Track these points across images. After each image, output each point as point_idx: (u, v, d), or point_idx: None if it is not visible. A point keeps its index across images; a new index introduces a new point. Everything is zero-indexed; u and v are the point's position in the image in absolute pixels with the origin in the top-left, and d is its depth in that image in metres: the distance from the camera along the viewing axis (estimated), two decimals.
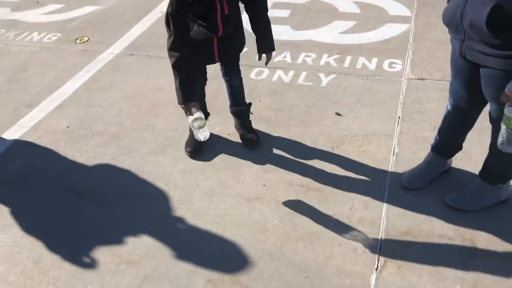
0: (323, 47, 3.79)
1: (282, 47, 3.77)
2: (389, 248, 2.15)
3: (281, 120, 3.00)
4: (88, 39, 4.25)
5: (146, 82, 3.56)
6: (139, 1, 4.97)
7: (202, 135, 2.33)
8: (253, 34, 2.49)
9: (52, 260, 2.24)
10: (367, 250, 2.15)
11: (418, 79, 3.31)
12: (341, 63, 3.57)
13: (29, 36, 4.40)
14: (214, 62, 2.51)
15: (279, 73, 3.50)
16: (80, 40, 4.24)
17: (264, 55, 2.54)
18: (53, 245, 2.31)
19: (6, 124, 3.20)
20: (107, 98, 3.39)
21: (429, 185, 2.44)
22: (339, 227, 2.27)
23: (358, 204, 2.38)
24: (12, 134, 3.10)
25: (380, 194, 2.43)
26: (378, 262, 2.10)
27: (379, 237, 2.21)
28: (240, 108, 2.80)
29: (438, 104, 3.03)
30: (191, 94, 2.31)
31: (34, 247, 2.31)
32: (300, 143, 2.81)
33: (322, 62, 3.60)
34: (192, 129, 2.34)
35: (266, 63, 2.56)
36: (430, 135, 2.77)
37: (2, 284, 2.14)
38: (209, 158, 2.74)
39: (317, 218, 2.33)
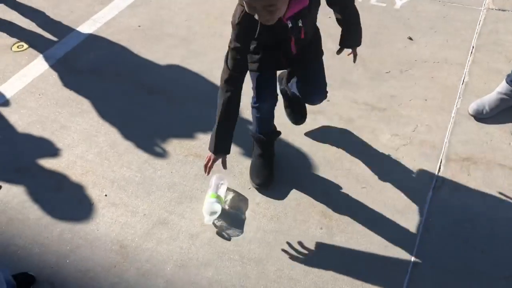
0: None
1: None
2: (448, 171, 2.19)
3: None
4: None
5: None
6: None
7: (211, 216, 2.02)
8: None
9: (126, 145, 2.41)
10: (426, 170, 2.20)
11: (499, 9, 3.15)
12: None
13: None
14: (282, 68, 2.11)
15: None
16: None
17: (346, 49, 2.08)
18: (127, 133, 2.48)
19: (81, 18, 3.32)
20: (177, 2, 3.42)
21: (497, 116, 2.41)
22: (401, 146, 2.31)
23: (421, 127, 2.40)
24: (88, 28, 3.22)
25: (445, 120, 2.43)
26: (435, 182, 2.15)
27: (439, 159, 2.24)
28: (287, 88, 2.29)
29: None
30: (225, 145, 1.89)
31: (109, 132, 2.48)
32: (366, 64, 2.79)
33: None
34: (205, 211, 2.02)
35: (354, 60, 2.09)
36: (504, 67, 2.69)
37: (82, 161, 2.34)
38: None
39: (378, 135, 2.38)
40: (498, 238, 1.94)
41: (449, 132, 2.37)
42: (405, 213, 2.04)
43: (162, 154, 2.35)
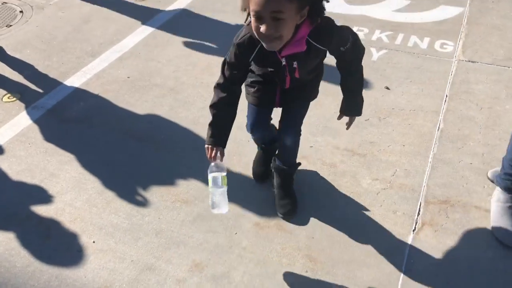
0: (376, 23, 3.85)
1: (335, 20, 3.84)
2: (427, 213, 2.28)
3: (330, 89, 3.11)
4: None
5: (202, 42, 3.72)
6: None
7: (221, 203, 1.93)
8: None
9: (114, 192, 2.46)
10: (406, 213, 2.29)
11: (469, 61, 3.35)
12: (393, 40, 3.64)
13: None
14: (275, 107, 2.15)
15: None
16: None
17: (345, 117, 2.13)
18: (115, 180, 2.53)
19: (72, 70, 3.43)
20: (165, 55, 3.57)
21: (472, 160, 2.54)
22: (381, 190, 2.40)
23: (400, 172, 2.50)
24: (78, 79, 3.33)
25: (423, 165, 2.54)
26: (416, 224, 2.23)
27: (418, 203, 2.33)
28: (282, 167, 2.29)
29: (486, 86, 3.08)
30: (221, 136, 1.95)
31: (98, 179, 2.53)
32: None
33: (374, 38, 3.67)
34: (210, 187, 1.90)
35: (347, 127, 2.14)
36: (476, 114, 2.85)
37: (70, 208, 2.37)
38: None
39: (360, 180, 2.47)
40: (478, 278, 2.00)
41: (427, 176, 2.47)
42: (387, 255, 2.10)
43: (149, 201, 2.40)
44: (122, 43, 3.74)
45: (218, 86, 1.92)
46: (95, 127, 2.90)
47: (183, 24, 3.97)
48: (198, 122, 2.88)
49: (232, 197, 2.36)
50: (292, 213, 2.28)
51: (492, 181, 2.38)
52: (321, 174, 2.51)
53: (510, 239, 2.11)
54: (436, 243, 2.14)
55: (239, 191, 2.41)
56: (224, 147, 1.95)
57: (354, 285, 1.99)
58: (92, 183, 2.52)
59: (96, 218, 2.32)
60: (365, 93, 2.84)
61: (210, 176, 1.88)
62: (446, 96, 3.03)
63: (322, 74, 2.09)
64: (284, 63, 1.81)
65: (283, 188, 2.32)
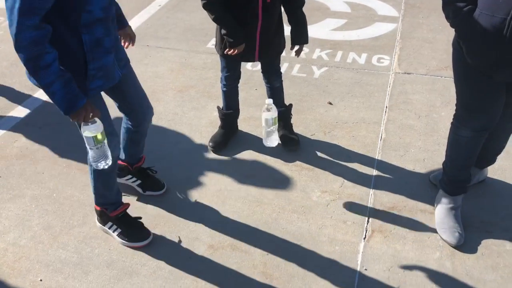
0: (316, 42, 3.99)
1: None
2: (376, 221, 2.34)
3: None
4: None
5: (146, 69, 3.71)
6: None
7: (274, 138, 2.31)
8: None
9: (61, 226, 2.37)
10: (356, 222, 2.34)
11: (405, 73, 3.53)
12: (332, 57, 3.77)
13: None
14: (254, 60, 2.55)
15: None
16: None
17: (296, 47, 2.57)
18: (61, 213, 2.44)
19: (11, 104, 3.32)
20: None
21: (414, 166, 2.65)
22: (330, 202, 2.45)
23: (348, 182, 2.57)
24: (18, 113, 3.22)
25: (369, 174, 2.62)
26: (366, 232, 2.29)
27: (367, 211, 2.40)
28: (281, 109, 2.72)
29: (422, 95, 3.24)
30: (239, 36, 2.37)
31: (43, 215, 2.44)
32: (294, 128, 2.98)
33: (315, 56, 3.80)
34: (264, 120, 2.26)
35: (297, 54, 2.59)
36: (415, 123, 2.98)
37: (14, 248, 2.27)
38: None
39: (309, 193, 2.51)
40: (428, 277, 2.06)
41: (373, 184, 2.55)
42: (341, 265, 2.13)
43: (99, 232, 2.33)
44: None
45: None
46: (38, 161, 2.80)
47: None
48: (146, 148, 2.84)
49: (186, 220, 2.35)
50: (297, 146, 2.78)
51: (435, 185, 2.49)
52: (271, 190, 2.53)
53: (454, 239, 2.20)
54: (386, 248, 2.20)
55: (192, 215, 2.40)
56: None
57: None
58: (37, 219, 2.42)
59: (42, 255, 2.23)
60: (309, 109, 2.94)
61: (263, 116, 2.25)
62: (386, 107, 3.16)
63: (283, 31, 2.58)
64: None
65: (286, 127, 2.82)
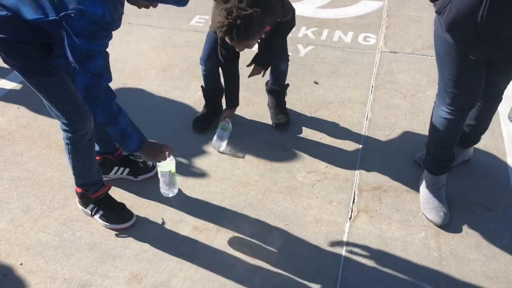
0: (301, 20, 3.92)
1: None
2: (362, 201, 2.33)
3: (261, 87, 3.12)
4: None
5: (128, 47, 3.62)
6: None
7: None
8: None
9: (41, 209, 2.31)
10: (341, 202, 2.33)
11: (391, 52, 3.49)
12: (318, 36, 3.72)
13: None
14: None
15: None
16: None
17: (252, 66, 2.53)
18: (42, 196, 2.38)
19: None
20: None
21: (400, 146, 2.64)
22: (316, 182, 2.44)
23: (333, 163, 2.55)
24: None
25: (354, 154, 2.60)
26: (351, 212, 2.28)
27: (353, 191, 2.38)
28: (276, 88, 2.76)
29: (408, 75, 3.22)
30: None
31: (22, 197, 2.38)
32: None
33: (300, 34, 3.73)
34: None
35: (250, 75, 2.57)
36: (401, 102, 2.96)
37: None
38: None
39: (295, 174, 2.49)
40: (413, 257, 2.07)
41: (358, 164, 2.54)
42: (327, 245, 2.13)
43: (80, 215, 2.28)
44: None
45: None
46: (17, 142, 2.72)
47: None
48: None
49: (169, 203, 2.31)
50: (287, 125, 2.75)
51: (420, 165, 2.48)
52: (257, 171, 2.50)
53: (439, 219, 2.20)
54: (372, 228, 2.20)
55: (176, 196, 2.36)
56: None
57: (299, 277, 1.99)
58: (16, 201, 2.36)
59: (22, 238, 2.17)
60: (294, 89, 2.89)
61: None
62: (372, 87, 3.13)
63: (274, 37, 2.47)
64: None
65: (278, 106, 2.80)
